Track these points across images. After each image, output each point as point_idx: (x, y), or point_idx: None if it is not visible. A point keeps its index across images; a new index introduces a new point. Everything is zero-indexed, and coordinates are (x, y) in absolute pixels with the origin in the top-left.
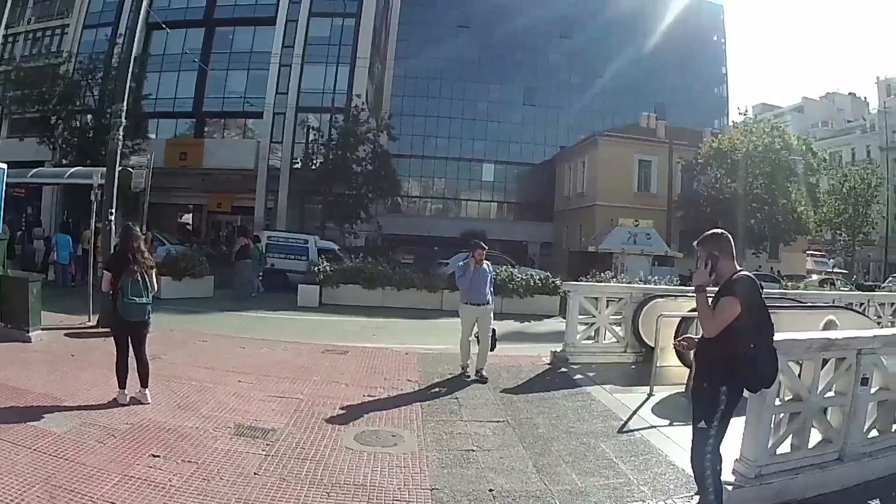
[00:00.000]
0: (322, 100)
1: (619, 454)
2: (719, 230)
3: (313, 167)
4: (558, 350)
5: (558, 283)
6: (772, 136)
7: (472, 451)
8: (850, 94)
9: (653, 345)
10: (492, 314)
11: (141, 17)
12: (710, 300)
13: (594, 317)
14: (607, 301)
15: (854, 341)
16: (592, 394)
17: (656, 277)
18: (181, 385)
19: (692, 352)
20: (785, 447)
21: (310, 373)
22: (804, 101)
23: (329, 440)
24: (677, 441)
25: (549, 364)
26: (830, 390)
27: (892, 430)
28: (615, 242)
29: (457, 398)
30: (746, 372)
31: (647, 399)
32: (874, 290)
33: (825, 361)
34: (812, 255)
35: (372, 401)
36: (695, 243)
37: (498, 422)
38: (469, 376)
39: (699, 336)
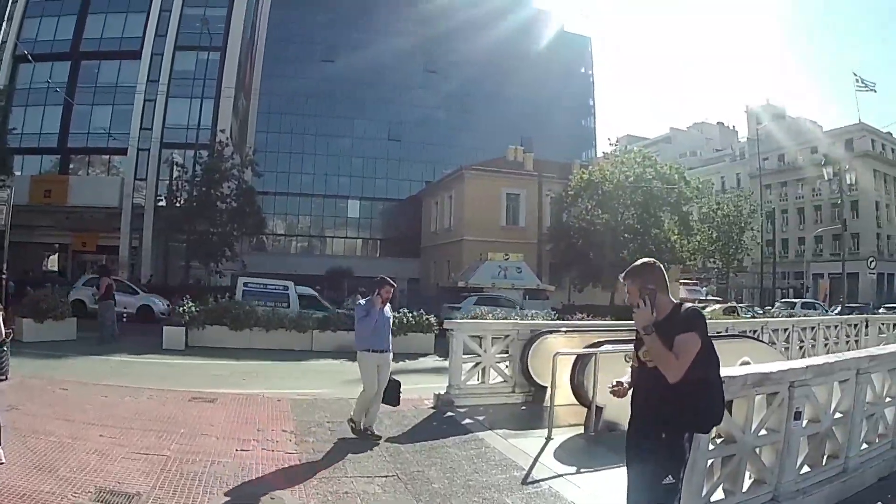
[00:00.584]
0: (187, 135)
1: None
2: (650, 260)
3: (177, 204)
4: (442, 392)
5: (432, 320)
6: (643, 165)
7: None
8: (718, 123)
9: (544, 384)
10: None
11: (7, 48)
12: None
13: (479, 356)
14: (492, 339)
15: (787, 374)
16: (486, 440)
17: (534, 311)
18: (39, 441)
19: (610, 394)
20: (718, 494)
21: (177, 424)
22: (672, 131)
23: None
24: (590, 490)
25: (433, 408)
26: (763, 428)
27: (822, 465)
28: (485, 277)
29: (339, 451)
30: (706, 412)
31: (547, 444)
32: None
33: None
34: (684, 283)
35: (247, 457)
36: (621, 277)
37: (387, 476)
38: (365, 432)
39: (632, 380)
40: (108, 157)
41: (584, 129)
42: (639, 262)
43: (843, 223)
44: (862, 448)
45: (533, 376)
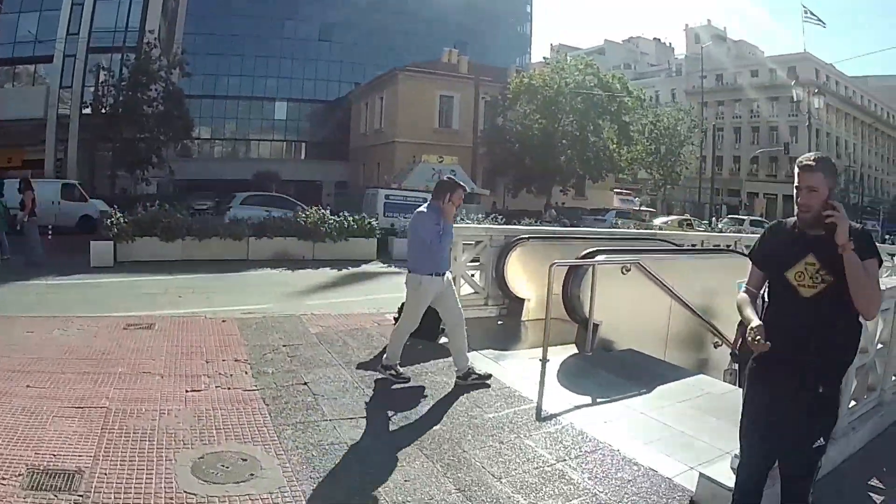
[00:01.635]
0: (114, 39)
1: (558, 456)
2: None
3: (103, 111)
4: None
5: (374, 223)
6: (585, 73)
7: (364, 475)
8: (654, 39)
9: (522, 296)
10: None
11: None
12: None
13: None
14: (463, 246)
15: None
16: (475, 363)
17: (480, 216)
18: None
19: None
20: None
21: (113, 362)
22: (606, 43)
23: (158, 480)
24: (618, 427)
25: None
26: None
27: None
28: (419, 180)
29: (306, 384)
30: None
31: (544, 367)
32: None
33: None
34: (618, 192)
35: (200, 399)
36: (802, 165)
37: (382, 421)
38: (401, 378)
39: (771, 313)
40: (33, 66)
41: (520, 35)
42: (819, 154)
43: (816, 147)
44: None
45: (509, 287)
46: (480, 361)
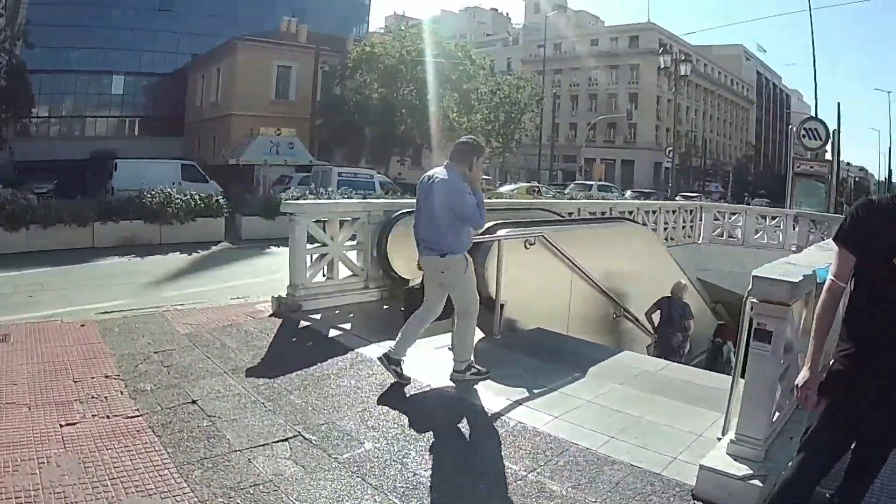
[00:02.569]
0: None
1: (527, 466)
2: None
3: None
4: (283, 295)
5: (222, 202)
6: (426, 42)
7: None
8: (492, 9)
9: (407, 276)
10: None
11: None
12: None
13: (326, 245)
14: (340, 223)
15: None
16: (377, 359)
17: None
18: None
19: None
20: None
21: None
22: (442, 13)
23: None
24: (572, 420)
25: (274, 315)
26: None
27: None
28: (257, 154)
29: (195, 402)
30: None
31: None
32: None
33: None
34: None
35: (79, 436)
36: None
37: (290, 439)
38: (483, 374)
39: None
40: None
41: (358, 4)
42: None
43: (657, 114)
44: None
45: (393, 268)
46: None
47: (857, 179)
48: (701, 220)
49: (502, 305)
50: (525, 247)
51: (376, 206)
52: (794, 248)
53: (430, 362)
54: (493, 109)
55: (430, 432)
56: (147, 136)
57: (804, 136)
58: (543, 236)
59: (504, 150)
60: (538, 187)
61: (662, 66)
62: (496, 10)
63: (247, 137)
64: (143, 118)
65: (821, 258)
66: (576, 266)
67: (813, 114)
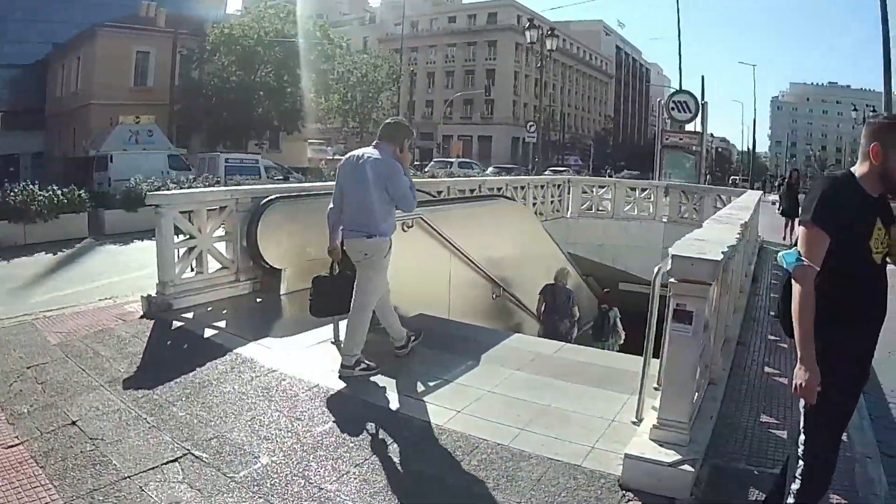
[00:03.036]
0: None
1: (440, 467)
2: None
3: None
4: (153, 294)
5: (84, 195)
6: (286, 21)
7: None
8: None
9: (278, 265)
10: None
11: None
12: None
13: (194, 238)
14: (207, 214)
15: None
16: (258, 359)
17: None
18: None
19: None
20: None
21: None
22: None
23: None
24: (476, 414)
25: (145, 316)
26: None
27: None
28: (116, 143)
29: (75, 423)
30: None
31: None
32: None
33: None
34: (312, 144)
35: None
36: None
37: (180, 458)
38: (372, 369)
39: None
40: None
41: None
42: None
43: (514, 89)
44: None
45: (265, 258)
46: (265, 355)
47: (719, 150)
48: (569, 193)
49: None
50: (402, 230)
51: (243, 192)
52: (664, 220)
53: (311, 359)
54: (350, 89)
55: (329, 439)
56: (10, 130)
57: (673, 109)
58: (421, 218)
59: (361, 130)
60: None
61: (529, 40)
62: None
63: (107, 127)
64: (5, 113)
65: (723, 232)
66: (454, 247)
67: (676, 86)
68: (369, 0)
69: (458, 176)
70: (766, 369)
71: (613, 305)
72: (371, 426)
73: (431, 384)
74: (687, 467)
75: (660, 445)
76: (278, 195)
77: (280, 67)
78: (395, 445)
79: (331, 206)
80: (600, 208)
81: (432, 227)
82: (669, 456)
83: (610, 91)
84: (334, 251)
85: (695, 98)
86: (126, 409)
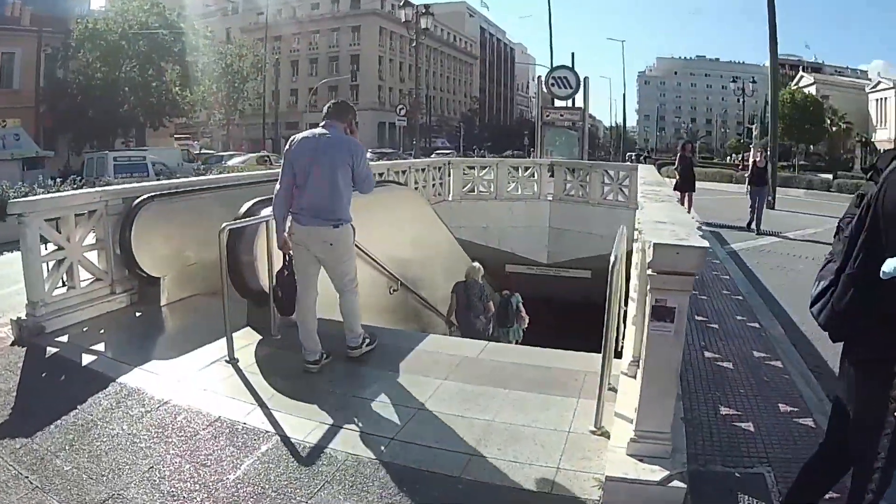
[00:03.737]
0: None
1: None
2: None
3: None
4: (22, 316)
5: None
6: (150, 13)
7: None
8: None
9: (156, 273)
10: None
11: None
12: None
13: (63, 249)
14: (76, 219)
15: None
16: (145, 389)
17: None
18: None
19: None
20: None
21: None
22: None
23: None
24: (415, 439)
25: (17, 343)
26: None
27: None
28: None
29: None
30: None
31: (243, 374)
32: None
33: None
34: (178, 138)
35: None
36: None
37: None
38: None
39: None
40: None
41: None
42: None
43: (379, 73)
44: None
45: (141, 267)
46: (151, 383)
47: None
48: (450, 175)
49: (278, 298)
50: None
51: (112, 193)
52: (550, 199)
53: (206, 385)
54: (215, 81)
55: (246, 489)
56: None
57: (553, 85)
58: None
59: (227, 122)
60: (268, 157)
61: (404, 19)
62: None
63: None
64: None
65: (675, 212)
66: None
67: (546, 65)
68: None
69: None
70: (707, 354)
71: (514, 290)
72: (292, 466)
73: (351, 406)
74: (677, 483)
75: (640, 461)
76: (151, 194)
77: (145, 61)
78: (327, 492)
79: (278, 194)
80: (482, 189)
81: None
82: (655, 473)
83: (475, 72)
84: (285, 245)
85: (575, 73)
86: (3, 466)
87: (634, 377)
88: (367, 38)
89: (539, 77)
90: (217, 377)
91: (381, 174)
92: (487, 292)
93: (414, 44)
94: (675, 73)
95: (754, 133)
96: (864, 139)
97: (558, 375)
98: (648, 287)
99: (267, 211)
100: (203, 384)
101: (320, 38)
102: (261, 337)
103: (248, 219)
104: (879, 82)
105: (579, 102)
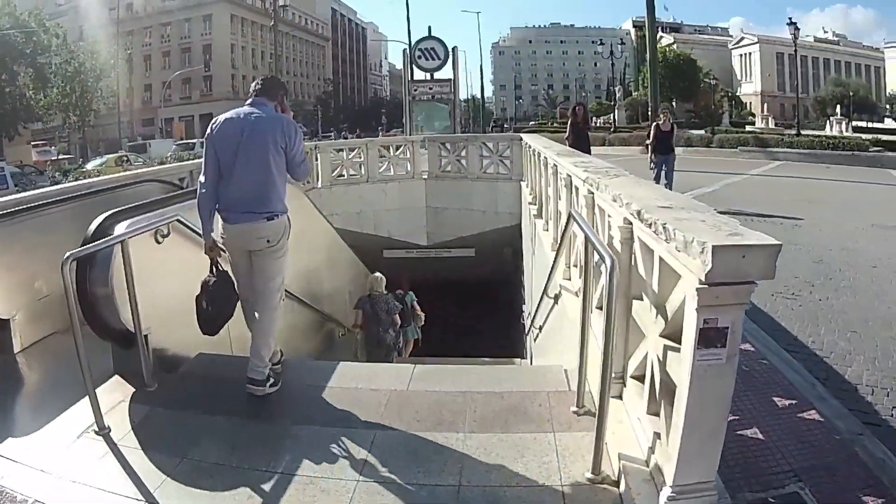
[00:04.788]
0: None
1: None
2: None
3: None
4: None
5: None
6: (4, 11)
7: None
8: None
9: (3, 315)
10: None
11: None
12: None
13: None
14: None
15: None
16: (6, 485)
17: None
18: None
19: None
20: None
21: None
22: None
23: None
24: None
25: None
26: None
27: None
28: None
29: None
30: None
31: (115, 447)
32: None
33: None
34: (35, 145)
35: None
36: None
37: None
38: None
39: None
40: None
41: None
42: None
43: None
44: None
45: None
46: (8, 474)
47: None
48: (317, 160)
49: (146, 337)
50: (156, 240)
51: None
52: (425, 177)
53: (79, 471)
54: (68, 81)
55: None
56: None
57: (420, 58)
58: (178, 219)
59: (82, 124)
60: (127, 157)
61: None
62: None
63: None
64: None
65: (653, 191)
66: None
67: (408, 39)
68: None
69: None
70: None
71: (407, 288)
72: None
73: (268, 489)
74: None
75: None
76: None
77: None
78: None
79: (202, 188)
80: (352, 173)
81: (193, 229)
82: None
83: (327, 54)
84: (214, 249)
85: (443, 44)
86: None
87: (619, 397)
88: (218, 27)
89: (404, 50)
90: (88, 458)
91: None
92: (392, 303)
93: (271, 26)
94: (530, 41)
95: (617, 95)
96: (728, 93)
97: (515, 402)
98: (695, 304)
99: (123, 226)
100: (72, 472)
101: (172, 30)
102: (133, 389)
103: (98, 242)
104: (743, 38)
105: (443, 74)
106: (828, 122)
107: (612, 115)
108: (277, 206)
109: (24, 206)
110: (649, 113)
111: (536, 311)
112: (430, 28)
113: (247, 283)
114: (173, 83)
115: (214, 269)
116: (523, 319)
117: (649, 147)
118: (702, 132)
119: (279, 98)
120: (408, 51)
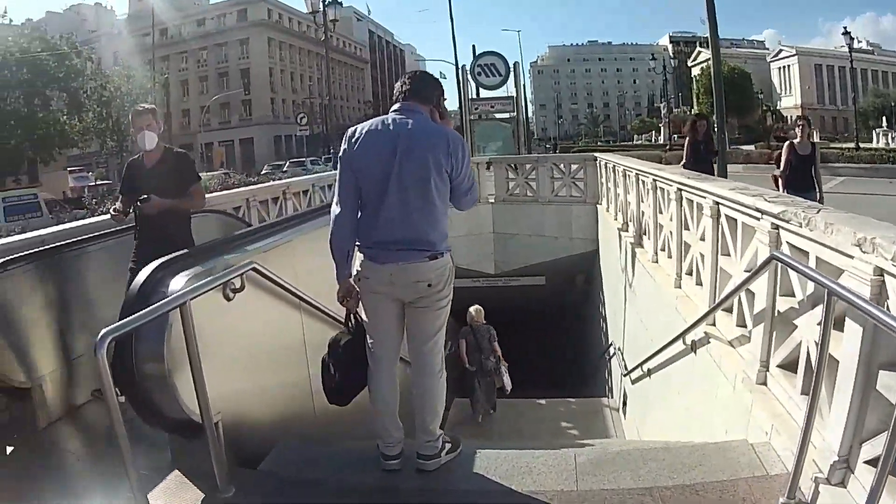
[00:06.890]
0: None
1: None
2: None
3: None
4: None
5: None
6: (31, 38)
7: None
8: (96, 3)
9: (25, 384)
10: None
11: None
12: None
13: None
14: None
15: None
16: None
17: None
18: None
19: None
20: None
21: None
22: (48, 14)
23: None
24: None
25: None
26: None
27: None
28: None
29: None
30: None
31: None
32: None
33: None
34: (71, 171)
35: None
36: None
37: None
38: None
39: None
40: None
41: None
42: None
43: (303, 92)
44: None
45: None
46: None
47: None
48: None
49: (217, 425)
50: (226, 296)
51: None
52: (491, 201)
53: None
54: (104, 105)
55: None
56: None
57: (480, 74)
58: (255, 267)
59: (121, 150)
60: (228, 172)
61: (310, 9)
62: (99, 3)
63: None
64: None
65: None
66: (302, 298)
67: (454, 59)
68: (116, 14)
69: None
70: None
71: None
72: None
73: None
74: None
75: None
76: (15, 255)
77: (29, 88)
78: None
79: (337, 219)
80: None
81: (272, 278)
82: None
83: (367, 76)
84: (352, 296)
85: (504, 59)
86: None
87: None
88: (256, 51)
89: (463, 66)
90: None
91: (305, 191)
92: (493, 333)
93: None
94: (568, 59)
95: (663, 112)
96: (769, 108)
97: (713, 499)
98: None
99: (182, 279)
100: None
101: (209, 55)
102: (201, 495)
103: (151, 309)
104: (781, 50)
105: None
106: (874, 133)
107: (654, 132)
108: (439, 241)
109: (63, 243)
110: (682, 128)
111: (654, 354)
112: (474, 47)
113: (383, 338)
114: (212, 108)
115: (351, 323)
116: (608, 354)
117: (779, 180)
118: (751, 147)
119: (435, 101)
120: (466, 68)
